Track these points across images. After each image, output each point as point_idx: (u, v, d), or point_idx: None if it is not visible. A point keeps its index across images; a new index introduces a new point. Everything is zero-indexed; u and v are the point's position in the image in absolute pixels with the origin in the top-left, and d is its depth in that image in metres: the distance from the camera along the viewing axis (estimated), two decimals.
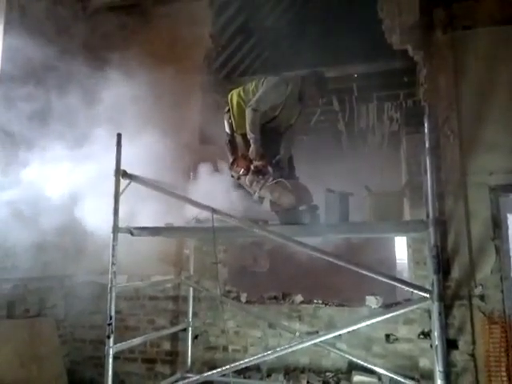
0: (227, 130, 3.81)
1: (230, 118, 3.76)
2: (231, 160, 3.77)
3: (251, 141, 3.53)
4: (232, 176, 3.77)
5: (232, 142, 3.80)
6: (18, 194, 3.97)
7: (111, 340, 3.36)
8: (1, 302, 4.05)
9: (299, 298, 4.67)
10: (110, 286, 3.41)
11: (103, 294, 3.48)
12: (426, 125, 3.09)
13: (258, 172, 3.58)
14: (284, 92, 3.60)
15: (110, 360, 3.37)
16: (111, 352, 3.37)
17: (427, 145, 3.05)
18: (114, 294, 3.41)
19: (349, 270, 3.24)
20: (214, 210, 3.39)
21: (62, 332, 4.58)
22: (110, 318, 3.37)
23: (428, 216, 3.00)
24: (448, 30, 4.22)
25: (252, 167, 3.59)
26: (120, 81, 4.36)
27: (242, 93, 3.74)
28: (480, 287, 3.84)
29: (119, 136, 3.53)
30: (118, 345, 3.49)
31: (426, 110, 3.32)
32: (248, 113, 3.51)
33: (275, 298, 4.81)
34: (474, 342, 3.80)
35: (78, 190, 3.87)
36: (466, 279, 3.88)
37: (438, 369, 2.88)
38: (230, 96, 3.82)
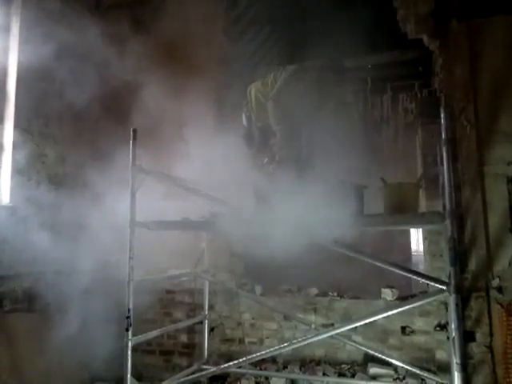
0: (244, 123, 3.84)
1: (247, 111, 3.79)
2: (255, 149, 3.81)
3: (277, 132, 3.55)
4: (256, 165, 3.80)
5: (249, 135, 3.83)
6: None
7: (130, 332, 3.42)
8: (21, 295, 4.14)
9: (314, 290, 4.68)
10: (127, 279, 3.46)
11: (121, 287, 3.53)
12: (442, 115, 3.05)
13: (282, 162, 3.60)
14: (302, 81, 3.59)
15: (129, 352, 3.43)
16: (130, 344, 3.43)
17: (444, 135, 3.02)
18: (131, 288, 3.47)
19: (364, 262, 3.25)
20: (227, 204, 3.42)
21: (82, 325, 4.65)
22: (129, 311, 3.43)
23: (445, 208, 2.98)
24: (464, 19, 4.14)
25: (276, 157, 3.62)
26: (133, 77, 4.39)
27: (260, 86, 3.76)
28: (497, 279, 3.79)
29: (134, 131, 3.56)
30: (136, 337, 3.55)
31: (442, 101, 3.27)
32: (270, 105, 3.54)
33: (290, 290, 4.83)
34: (491, 334, 3.76)
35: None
36: (483, 271, 3.83)
37: (456, 361, 2.87)
38: (248, 90, 3.84)
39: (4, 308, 3.97)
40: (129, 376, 3.44)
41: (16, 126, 4.21)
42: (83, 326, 4.68)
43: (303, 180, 3.49)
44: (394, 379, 3.99)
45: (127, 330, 3.42)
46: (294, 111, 3.61)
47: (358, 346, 4.07)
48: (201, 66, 4.80)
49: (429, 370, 3.89)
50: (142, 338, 3.69)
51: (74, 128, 4.44)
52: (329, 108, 3.70)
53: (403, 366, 3.89)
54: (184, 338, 4.78)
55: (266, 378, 4.26)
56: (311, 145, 3.91)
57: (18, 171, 4.15)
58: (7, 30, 4.29)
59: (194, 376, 4.03)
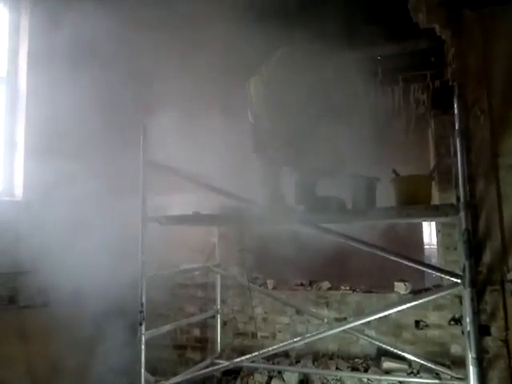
0: (250, 119, 3.79)
1: (250, 106, 3.74)
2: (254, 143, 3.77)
3: (266, 121, 3.51)
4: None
5: (254, 130, 3.78)
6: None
7: (143, 327, 3.45)
8: (35, 291, 4.17)
9: (326, 284, 4.67)
10: (140, 274, 3.48)
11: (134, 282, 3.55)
12: (455, 106, 3.00)
13: (269, 152, 3.57)
14: (291, 64, 3.54)
15: (143, 346, 3.46)
16: (143, 338, 3.46)
17: (457, 126, 2.97)
18: (144, 282, 3.48)
19: (377, 257, 3.22)
20: (240, 198, 3.41)
21: (96, 319, 4.69)
22: (142, 306, 3.45)
23: (459, 200, 2.93)
24: (476, 7, 4.07)
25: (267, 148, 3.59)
26: (146, 70, 4.38)
27: (258, 78, 3.70)
28: None
29: (145, 126, 3.57)
30: (150, 331, 3.57)
31: (455, 91, 3.21)
32: (260, 90, 3.49)
33: (302, 284, 4.82)
34: (506, 328, 3.71)
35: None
36: (498, 264, 3.78)
37: (471, 355, 2.84)
38: (247, 85, 3.77)
39: (18, 304, 4.02)
40: (143, 370, 3.47)
41: (28, 121, 4.24)
42: (97, 321, 4.72)
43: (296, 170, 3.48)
44: (408, 373, 3.97)
45: (140, 325, 3.45)
46: (285, 97, 3.51)
47: (371, 340, 4.05)
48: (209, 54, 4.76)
49: (443, 365, 3.86)
50: (155, 332, 3.72)
51: (88, 122, 4.43)
52: (334, 98, 3.61)
53: (417, 360, 3.87)
54: (197, 332, 4.81)
55: (279, 372, 4.26)
56: (308, 135, 3.83)
57: (30, 167, 4.19)
58: (17, 25, 4.31)
59: (207, 370, 4.05)
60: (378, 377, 3.93)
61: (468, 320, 2.85)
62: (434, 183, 4.08)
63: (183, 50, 4.70)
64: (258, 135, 3.72)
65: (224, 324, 4.72)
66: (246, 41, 4.36)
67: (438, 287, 4.06)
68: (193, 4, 4.57)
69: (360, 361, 4.24)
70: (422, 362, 3.83)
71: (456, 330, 3.96)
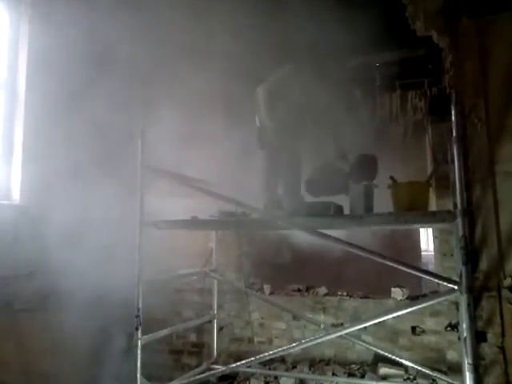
0: (257, 123, 3.82)
1: (258, 111, 3.77)
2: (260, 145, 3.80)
3: (269, 126, 3.53)
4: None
5: (261, 136, 3.80)
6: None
7: (139, 332, 3.43)
8: (33, 294, 4.16)
9: (323, 290, 4.67)
10: (137, 278, 3.47)
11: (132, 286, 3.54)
12: (452, 113, 3.02)
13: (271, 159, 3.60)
14: (298, 78, 3.58)
15: (139, 351, 3.44)
16: (139, 343, 3.44)
17: (454, 133, 2.99)
18: (140, 287, 3.48)
19: (374, 263, 3.22)
20: (238, 203, 3.41)
21: (94, 324, 4.67)
22: (138, 311, 3.44)
23: (455, 206, 2.94)
24: (474, 15, 4.10)
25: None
26: (147, 70, 4.39)
27: (266, 86, 3.74)
28: (509, 278, 3.75)
29: (143, 130, 3.57)
30: (146, 336, 3.56)
31: (452, 98, 3.23)
32: (269, 100, 3.52)
33: (299, 290, 4.82)
34: (503, 335, 3.72)
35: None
36: (494, 270, 3.79)
37: (467, 361, 2.84)
38: (256, 92, 3.81)
39: (15, 307, 4.00)
40: (138, 375, 3.45)
41: (26, 125, 4.24)
42: (95, 325, 4.70)
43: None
44: (405, 379, 3.97)
45: (137, 329, 3.43)
46: (289, 106, 3.56)
47: (368, 346, 4.04)
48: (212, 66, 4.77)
49: (439, 371, 3.86)
50: (151, 337, 3.70)
51: (86, 127, 4.43)
52: (333, 106, 3.65)
53: (414, 366, 3.86)
54: (193, 337, 4.80)
55: (276, 378, 4.25)
56: (307, 142, 3.86)
57: (28, 170, 4.18)
58: (17, 28, 4.31)
59: (203, 375, 4.02)
60: (374, 383, 3.92)
61: (464, 326, 2.85)
62: (431, 189, 4.10)
63: (185, 52, 4.72)
64: (262, 138, 3.75)
65: (220, 329, 4.71)
66: (250, 48, 4.39)
67: (435, 293, 4.07)
68: (195, 7, 4.59)
69: (356, 367, 4.24)
70: (419, 368, 3.82)
71: (452, 336, 3.97)
